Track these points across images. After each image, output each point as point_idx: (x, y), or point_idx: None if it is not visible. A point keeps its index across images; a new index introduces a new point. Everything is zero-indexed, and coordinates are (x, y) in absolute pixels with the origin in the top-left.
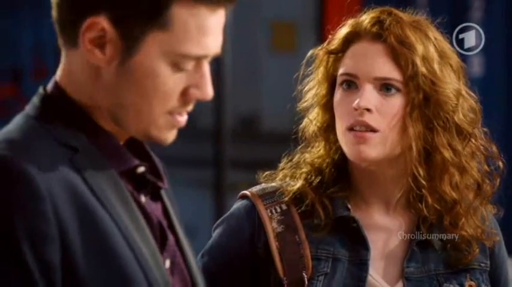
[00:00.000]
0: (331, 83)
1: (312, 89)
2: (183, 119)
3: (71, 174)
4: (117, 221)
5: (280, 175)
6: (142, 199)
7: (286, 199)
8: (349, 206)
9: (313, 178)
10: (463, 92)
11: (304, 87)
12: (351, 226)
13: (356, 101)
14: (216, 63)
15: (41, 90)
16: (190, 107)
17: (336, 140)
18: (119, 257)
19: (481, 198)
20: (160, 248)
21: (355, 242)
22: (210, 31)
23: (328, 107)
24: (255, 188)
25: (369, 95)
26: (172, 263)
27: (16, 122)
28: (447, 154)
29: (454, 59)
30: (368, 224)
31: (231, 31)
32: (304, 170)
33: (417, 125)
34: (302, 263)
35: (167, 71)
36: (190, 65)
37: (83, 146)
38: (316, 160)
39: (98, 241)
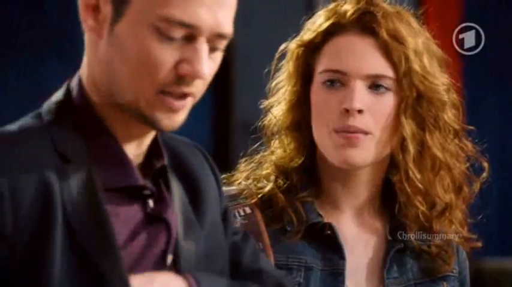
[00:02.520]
0: (304, 78)
1: (283, 85)
2: (179, 103)
3: (51, 182)
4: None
5: (240, 177)
6: (151, 204)
7: (253, 201)
8: (321, 212)
9: (280, 181)
10: (451, 88)
11: (274, 83)
12: (324, 234)
13: (347, 102)
14: None
15: (64, 86)
16: (186, 88)
17: (307, 141)
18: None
19: (461, 201)
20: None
21: (330, 250)
22: (199, 0)
23: (300, 104)
24: None
25: (361, 95)
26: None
27: (26, 118)
28: (440, 154)
29: (438, 51)
30: (341, 231)
31: None
32: (267, 171)
33: (411, 125)
34: None
35: (153, 38)
36: (177, 34)
37: (78, 158)
38: (282, 160)
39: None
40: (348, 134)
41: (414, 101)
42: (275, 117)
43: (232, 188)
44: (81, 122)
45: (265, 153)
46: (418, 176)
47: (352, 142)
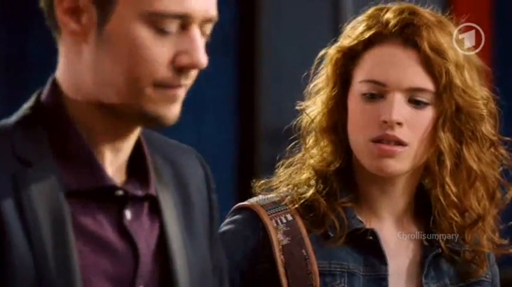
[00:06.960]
0: (342, 83)
1: (321, 88)
2: (179, 91)
3: (6, 188)
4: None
5: (279, 183)
6: (128, 215)
7: (294, 207)
8: (360, 218)
9: (320, 185)
10: (490, 100)
11: (311, 87)
12: (365, 239)
13: (386, 114)
14: None
15: (38, 91)
16: (185, 79)
17: (343, 144)
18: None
19: (494, 208)
20: (133, 274)
21: (372, 256)
22: None
23: (337, 108)
24: (254, 199)
25: (400, 108)
26: None
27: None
28: (475, 166)
29: (478, 61)
30: (381, 236)
31: None
32: (307, 176)
33: (449, 138)
34: (309, 280)
35: (148, 34)
36: (172, 27)
37: (40, 161)
38: (320, 164)
39: None
40: (385, 147)
41: (453, 114)
42: (311, 117)
43: (273, 196)
44: (49, 124)
45: (302, 155)
46: (454, 189)
47: (388, 154)
